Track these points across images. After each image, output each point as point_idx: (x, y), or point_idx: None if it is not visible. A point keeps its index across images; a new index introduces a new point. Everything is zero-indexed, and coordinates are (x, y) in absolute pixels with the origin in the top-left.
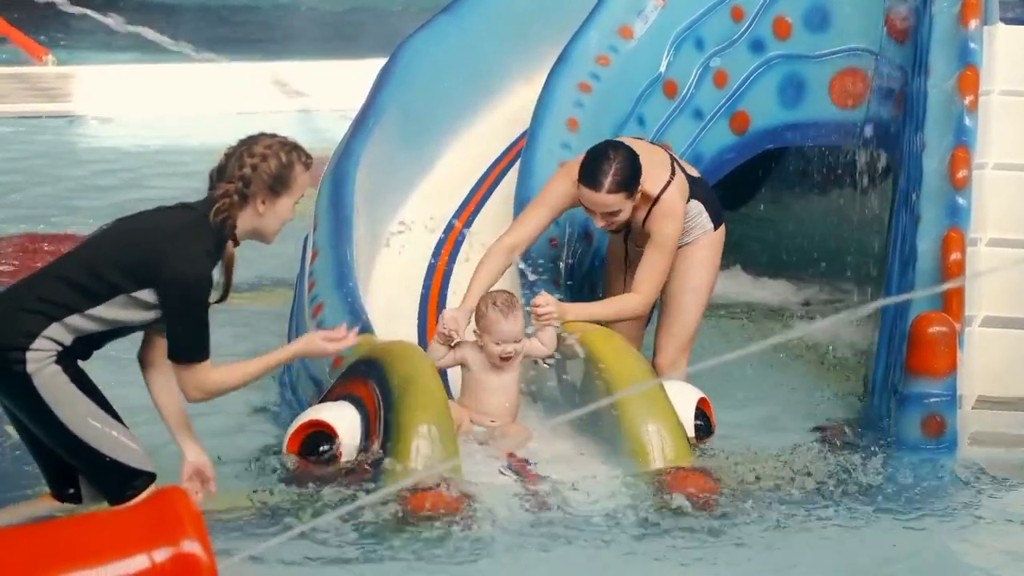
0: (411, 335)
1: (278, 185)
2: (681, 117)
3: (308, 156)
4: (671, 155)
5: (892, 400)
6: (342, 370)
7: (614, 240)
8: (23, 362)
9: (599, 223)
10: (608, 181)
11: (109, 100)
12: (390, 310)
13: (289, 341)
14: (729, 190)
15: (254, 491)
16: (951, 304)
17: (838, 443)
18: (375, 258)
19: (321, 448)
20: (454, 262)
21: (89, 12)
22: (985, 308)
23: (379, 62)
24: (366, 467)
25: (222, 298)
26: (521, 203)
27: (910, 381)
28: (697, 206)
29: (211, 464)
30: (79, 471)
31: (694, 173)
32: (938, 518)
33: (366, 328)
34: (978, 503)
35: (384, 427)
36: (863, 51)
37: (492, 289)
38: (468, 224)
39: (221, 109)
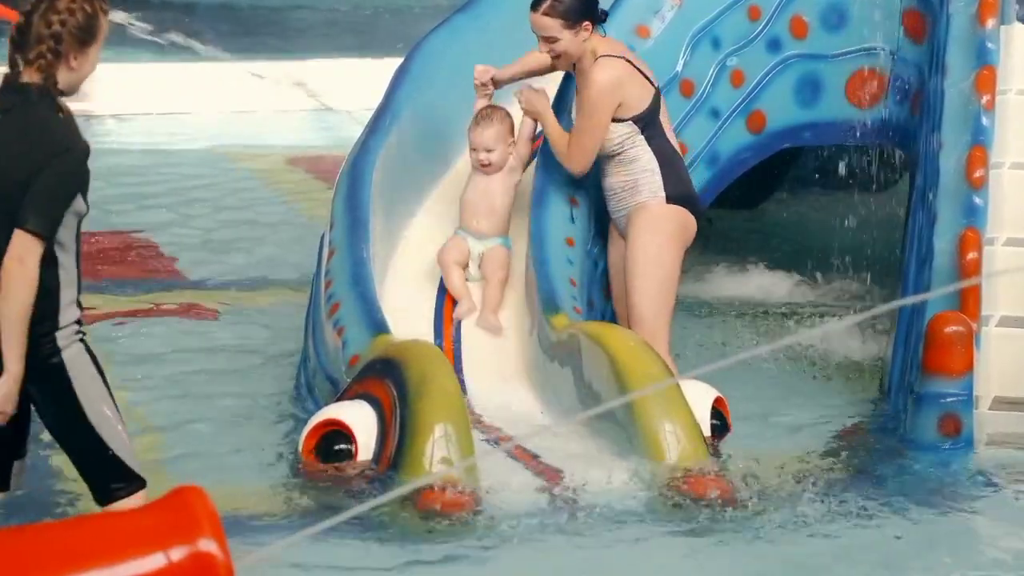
0: (427, 334)
1: (87, 36)
2: (698, 116)
3: (106, 1)
4: (657, 95)
5: (908, 400)
6: (358, 369)
7: (614, 249)
8: (54, 343)
9: (541, 47)
10: (545, 4)
11: (126, 98)
12: (406, 309)
13: (305, 338)
14: (746, 189)
15: (270, 490)
16: (968, 304)
17: (854, 442)
18: (391, 257)
19: (337, 447)
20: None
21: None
22: (1002, 308)
23: (395, 61)
24: (381, 466)
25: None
26: (537, 201)
27: (926, 381)
28: (650, 162)
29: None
30: (75, 462)
31: (671, 140)
32: (954, 517)
33: (382, 327)
34: (995, 503)
35: (400, 426)
36: (880, 51)
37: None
38: None
39: (237, 108)
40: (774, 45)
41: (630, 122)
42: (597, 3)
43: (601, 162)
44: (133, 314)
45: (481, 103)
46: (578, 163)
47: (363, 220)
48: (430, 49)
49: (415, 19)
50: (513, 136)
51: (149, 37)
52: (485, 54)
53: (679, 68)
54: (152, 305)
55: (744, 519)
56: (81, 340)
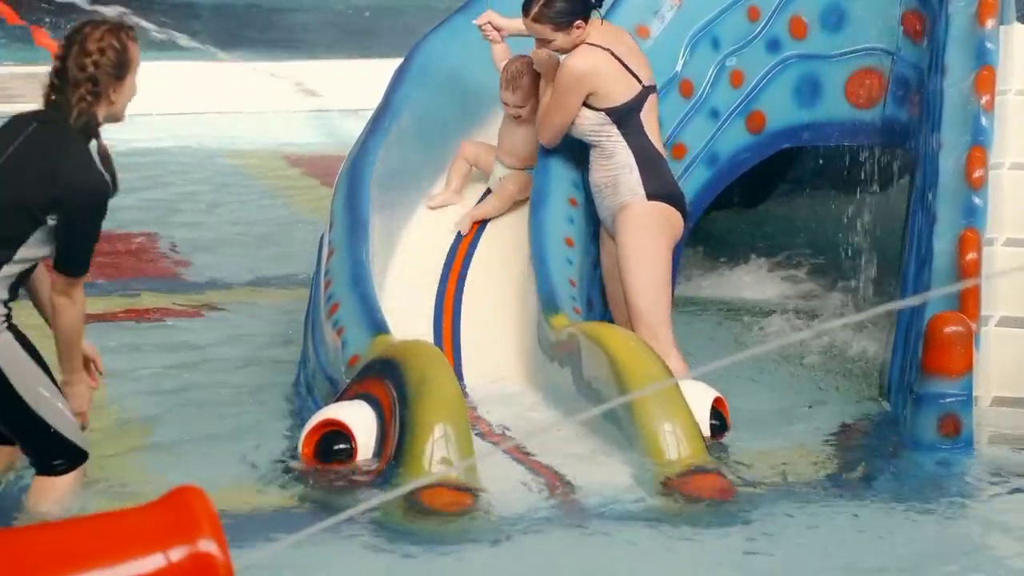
0: (427, 334)
1: (121, 71)
2: (697, 117)
3: (131, 28)
4: (643, 92)
5: (908, 400)
6: (358, 369)
7: (605, 252)
8: None
9: (538, 47)
10: (535, 9)
11: None
12: (406, 309)
13: (305, 338)
14: (745, 189)
15: (270, 490)
16: (967, 304)
17: (854, 442)
18: (391, 257)
19: (336, 447)
20: (470, 262)
21: (103, 10)
22: (1001, 308)
23: (395, 62)
24: (381, 466)
25: (114, 190)
26: (537, 201)
27: (926, 381)
28: (628, 161)
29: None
30: (18, 442)
31: (652, 140)
32: (953, 517)
33: (382, 327)
34: (994, 503)
35: (400, 426)
36: (879, 51)
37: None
38: (484, 224)
39: (237, 108)
40: (774, 45)
41: (603, 113)
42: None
43: (587, 155)
44: (132, 314)
45: (498, 50)
46: (545, 134)
47: (362, 220)
48: (430, 49)
49: (415, 19)
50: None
51: (154, 36)
52: (484, 54)
53: (678, 68)
54: (151, 305)
55: (743, 519)
56: (9, 328)
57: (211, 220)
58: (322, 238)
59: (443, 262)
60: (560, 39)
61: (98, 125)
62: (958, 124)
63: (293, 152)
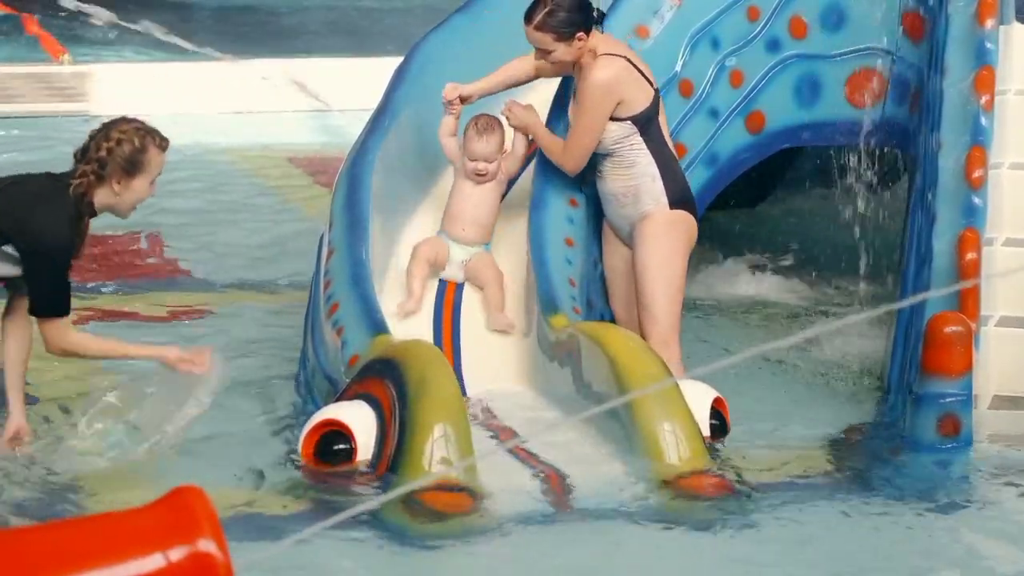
0: (426, 334)
1: (131, 168)
2: (697, 116)
3: (164, 139)
4: (657, 96)
5: (908, 400)
6: (358, 369)
7: (612, 253)
8: None
9: (538, 58)
10: (537, 18)
11: (125, 99)
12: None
13: (305, 338)
14: (744, 189)
15: (270, 490)
16: (967, 304)
17: (854, 442)
18: (390, 257)
19: (336, 447)
20: None
21: (104, 10)
22: (1001, 308)
23: (395, 61)
24: (381, 466)
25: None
26: (537, 202)
27: (926, 381)
28: (650, 168)
29: (28, 429)
30: None
31: (668, 144)
32: (953, 517)
33: (382, 327)
34: (994, 503)
35: (399, 426)
36: (879, 51)
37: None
38: None
39: (236, 108)
40: (773, 45)
41: (628, 122)
42: (591, 10)
43: (597, 163)
44: (132, 314)
45: (450, 122)
46: (574, 162)
47: (362, 220)
48: (429, 49)
49: (414, 19)
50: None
51: (152, 36)
52: (484, 54)
53: (678, 68)
54: (150, 305)
55: (743, 519)
56: None
57: (210, 220)
58: (322, 238)
59: None
60: (561, 50)
61: (92, 205)
62: (958, 124)
63: (293, 152)
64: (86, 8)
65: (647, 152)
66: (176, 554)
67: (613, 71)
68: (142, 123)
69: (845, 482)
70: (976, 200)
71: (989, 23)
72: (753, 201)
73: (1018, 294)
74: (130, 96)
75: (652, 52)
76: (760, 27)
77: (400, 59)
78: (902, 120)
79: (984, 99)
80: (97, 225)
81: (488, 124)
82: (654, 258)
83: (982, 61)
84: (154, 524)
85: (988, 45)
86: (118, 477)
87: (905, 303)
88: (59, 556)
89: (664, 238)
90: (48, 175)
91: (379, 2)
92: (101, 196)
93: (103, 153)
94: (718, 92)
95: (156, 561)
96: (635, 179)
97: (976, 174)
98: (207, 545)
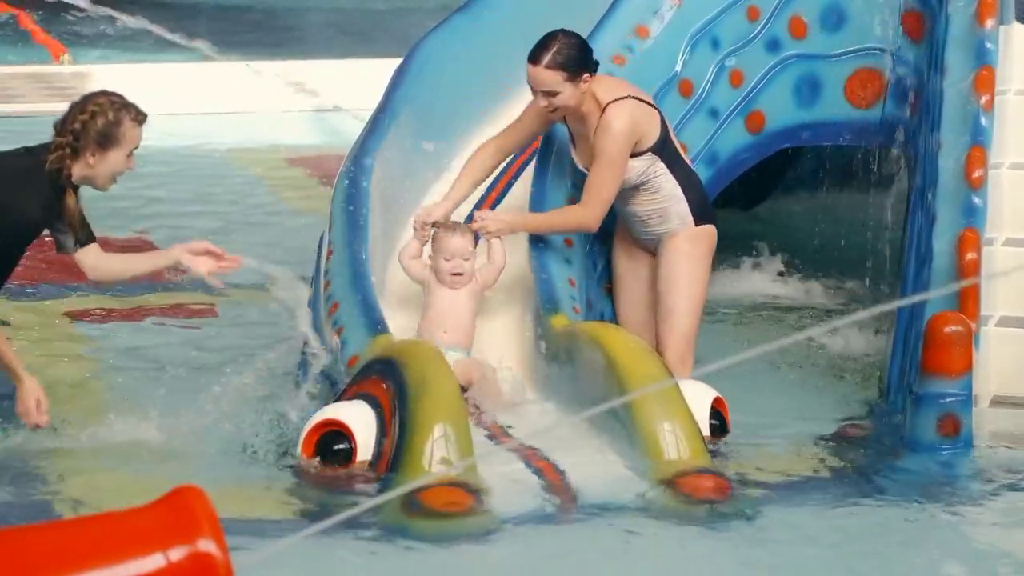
0: None
1: (105, 140)
2: (697, 116)
3: (140, 112)
4: (662, 116)
5: (907, 400)
6: (358, 369)
7: (625, 258)
8: None
9: (540, 102)
10: (547, 57)
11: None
12: (405, 309)
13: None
14: (743, 189)
15: (270, 490)
16: (967, 304)
17: (854, 442)
18: (391, 257)
19: (336, 447)
20: None
21: (103, 9)
22: (1001, 308)
23: (394, 61)
24: (381, 466)
25: (78, 242)
26: (536, 203)
27: (925, 381)
28: (674, 190)
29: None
30: None
31: (687, 161)
32: (953, 517)
33: (382, 327)
34: (994, 503)
35: (399, 426)
36: (879, 51)
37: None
38: None
39: (237, 108)
40: (773, 45)
41: (649, 154)
42: (592, 51)
43: (620, 194)
44: (132, 314)
45: (415, 245)
46: (598, 215)
47: (362, 220)
48: (429, 49)
49: (414, 19)
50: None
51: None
52: (484, 54)
53: (678, 68)
54: (150, 305)
55: (743, 519)
56: None
57: (210, 220)
58: (322, 238)
59: None
60: (568, 91)
61: (70, 178)
62: (958, 124)
63: (293, 152)
64: (87, 7)
65: (670, 176)
66: (176, 554)
67: (629, 117)
68: (119, 96)
69: (845, 482)
70: (976, 200)
71: (989, 23)
72: (753, 201)
73: (1018, 294)
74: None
75: (652, 52)
76: (760, 27)
77: (400, 59)
78: (902, 120)
79: (984, 99)
80: (98, 225)
81: (455, 223)
82: (682, 276)
83: (982, 61)
84: (154, 524)
85: (988, 45)
86: (118, 477)
87: (905, 303)
88: (59, 556)
89: (692, 256)
90: (26, 150)
91: (381, 3)
92: (77, 169)
93: (77, 125)
94: (718, 92)
95: (156, 561)
96: (661, 203)
97: (976, 174)
98: (207, 545)
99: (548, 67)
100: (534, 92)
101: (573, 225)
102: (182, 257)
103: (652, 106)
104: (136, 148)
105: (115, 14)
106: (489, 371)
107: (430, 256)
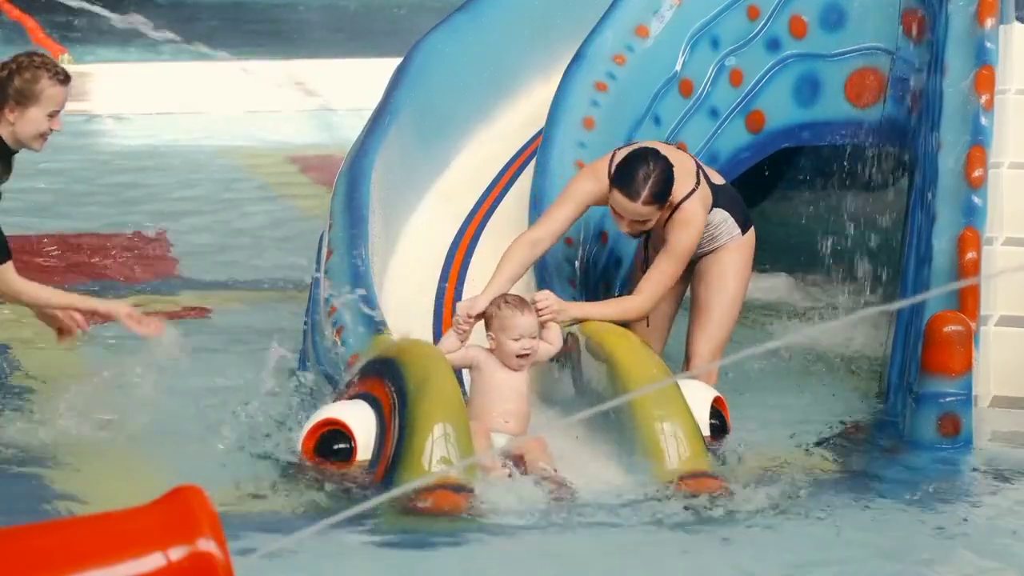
0: (426, 335)
1: (22, 98)
2: (697, 116)
3: (61, 72)
4: (697, 163)
5: (907, 399)
6: (357, 369)
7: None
8: None
9: (624, 229)
10: (645, 192)
11: (125, 99)
12: (405, 309)
13: (304, 339)
14: (742, 189)
15: (270, 490)
16: (967, 303)
17: (854, 442)
18: (390, 257)
19: (336, 447)
20: (469, 261)
21: (100, 10)
22: (1001, 307)
23: (395, 61)
24: (381, 466)
25: None
26: (536, 202)
27: (925, 380)
28: (721, 214)
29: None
30: None
31: (718, 180)
32: (953, 517)
33: (381, 327)
34: (994, 502)
35: (399, 426)
36: (879, 50)
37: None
38: (483, 223)
39: (237, 108)
40: (773, 45)
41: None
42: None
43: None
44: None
45: (453, 340)
46: (656, 304)
47: (362, 220)
48: (429, 49)
49: (414, 19)
50: None
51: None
52: (484, 54)
53: (678, 68)
54: (150, 305)
55: (743, 519)
56: None
57: (210, 220)
58: (322, 238)
59: (443, 262)
60: (655, 216)
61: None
62: (957, 123)
63: (293, 152)
64: (87, 7)
65: (717, 209)
66: (176, 554)
67: (703, 211)
68: (43, 56)
69: (845, 482)
70: (976, 199)
71: (989, 23)
72: (752, 201)
73: (1018, 294)
74: (130, 96)
75: (652, 51)
76: (760, 26)
77: (400, 59)
78: (902, 120)
79: (984, 98)
80: (99, 225)
81: (519, 299)
82: (730, 290)
83: (982, 60)
84: (154, 524)
85: (988, 45)
86: (117, 477)
87: (905, 303)
88: (59, 556)
89: (741, 267)
90: None
91: (380, 1)
92: (3, 128)
93: None
94: (718, 91)
95: (156, 561)
96: (711, 229)
97: (976, 173)
98: (207, 545)
99: (646, 203)
100: (617, 216)
101: (632, 315)
102: (122, 313)
103: (691, 157)
104: (60, 109)
105: (115, 14)
106: (541, 443)
107: (489, 335)
